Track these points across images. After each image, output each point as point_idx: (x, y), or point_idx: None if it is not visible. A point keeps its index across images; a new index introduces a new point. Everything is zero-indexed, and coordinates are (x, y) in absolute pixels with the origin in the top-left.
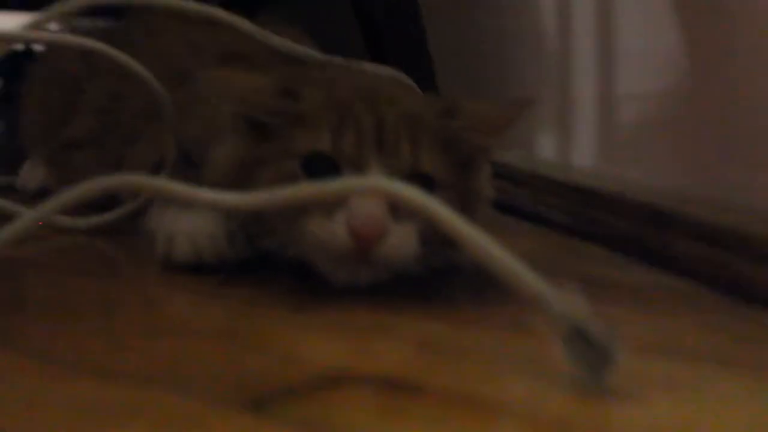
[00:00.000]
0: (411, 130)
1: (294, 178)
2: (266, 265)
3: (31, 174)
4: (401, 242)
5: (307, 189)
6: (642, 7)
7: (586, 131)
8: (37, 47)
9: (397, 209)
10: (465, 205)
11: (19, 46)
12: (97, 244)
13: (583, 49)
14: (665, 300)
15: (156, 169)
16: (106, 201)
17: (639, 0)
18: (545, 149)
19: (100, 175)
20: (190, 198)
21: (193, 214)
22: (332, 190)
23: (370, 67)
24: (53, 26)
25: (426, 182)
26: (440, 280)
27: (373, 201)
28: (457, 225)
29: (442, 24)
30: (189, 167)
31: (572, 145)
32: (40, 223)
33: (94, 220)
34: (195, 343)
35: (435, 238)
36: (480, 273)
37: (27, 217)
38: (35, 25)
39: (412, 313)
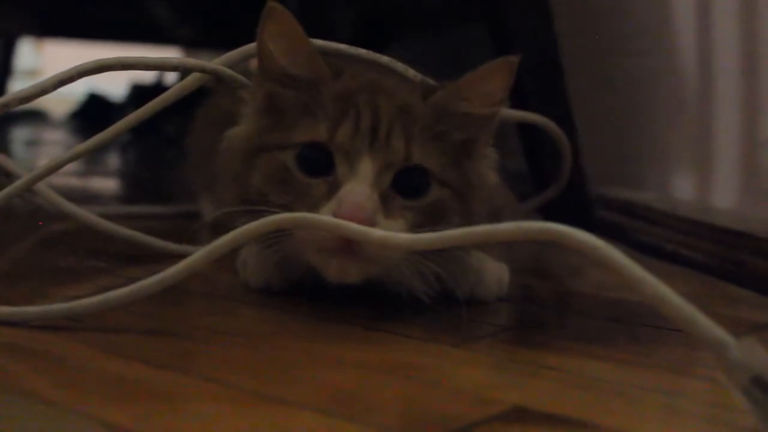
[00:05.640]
0: (405, 123)
1: (285, 170)
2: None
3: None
4: None
5: (477, 231)
6: None
7: (729, 173)
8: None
9: (390, 206)
10: (463, 196)
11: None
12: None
13: (726, 91)
14: None
15: None
16: None
17: None
18: (681, 190)
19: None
20: (361, 236)
21: None
22: (503, 231)
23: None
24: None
25: (420, 174)
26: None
27: (363, 190)
28: (633, 270)
29: (578, 65)
30: None
31: (712, 186)
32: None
33: None
34: (363, 375)
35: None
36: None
37: (197, 254)
38: None
39: (573, 352)
